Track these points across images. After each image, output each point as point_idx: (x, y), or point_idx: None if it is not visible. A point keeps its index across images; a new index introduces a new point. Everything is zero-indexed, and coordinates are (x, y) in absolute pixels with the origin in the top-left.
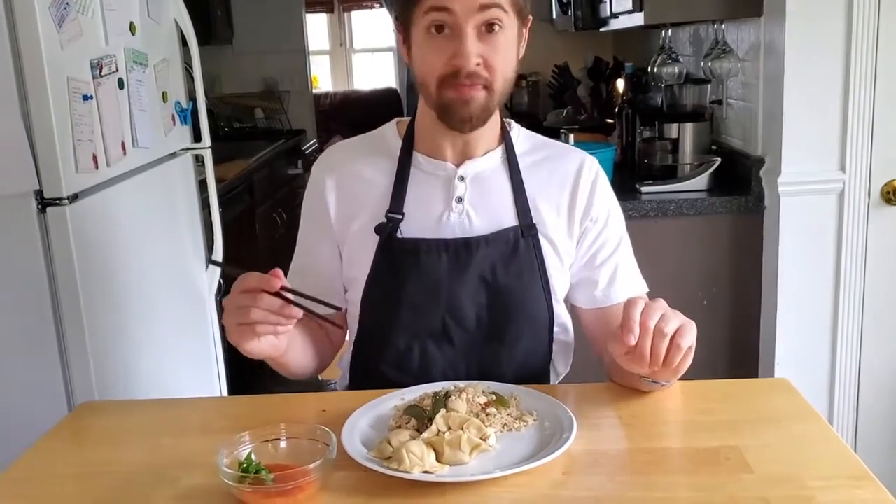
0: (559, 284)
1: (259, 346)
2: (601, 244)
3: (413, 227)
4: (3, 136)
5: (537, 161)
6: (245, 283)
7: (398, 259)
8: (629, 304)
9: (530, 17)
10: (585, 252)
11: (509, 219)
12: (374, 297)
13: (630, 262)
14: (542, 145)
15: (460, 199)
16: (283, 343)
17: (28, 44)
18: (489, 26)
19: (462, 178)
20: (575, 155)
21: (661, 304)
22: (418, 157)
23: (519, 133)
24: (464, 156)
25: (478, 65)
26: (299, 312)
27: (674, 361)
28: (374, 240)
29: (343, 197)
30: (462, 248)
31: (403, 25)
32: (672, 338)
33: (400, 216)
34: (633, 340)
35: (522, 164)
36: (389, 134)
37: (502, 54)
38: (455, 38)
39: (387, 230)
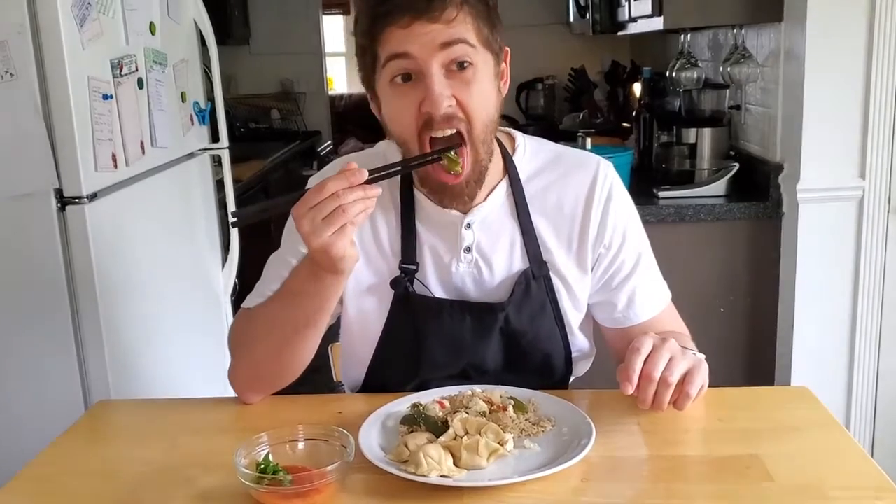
0: (574, 317)
1: (353, 249)
2: (617, 268)
3: (424, 276)
4: (24, 134)
5: (546, 185)
6: (326, 189)
7: (418, 315)
8: (632, 350)
9: (507, 50)
10: (601, 277)
11: (519, 262)
12: (390, 349)
13: (650, 276)
14: (552, 160)
15: (468, 249)
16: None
17: (50, 43)
18: (459, 64)
19: (469, 226)
20: (587, 168)
21: (670, 347)
22: (420, 199)
23: (525, 151)
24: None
25: (450, 106)
26: (379, 190)
27: (682, 407)
28: (387, 289)
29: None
30: (487, 312)
31: (369, 85)
32: (682, 383)
33: (414, 267)
34: (630, 391)
35: (529, 191)
36: (392, 157)
37: (477, 91)
38: (422, 82)
39: (403, 284)
